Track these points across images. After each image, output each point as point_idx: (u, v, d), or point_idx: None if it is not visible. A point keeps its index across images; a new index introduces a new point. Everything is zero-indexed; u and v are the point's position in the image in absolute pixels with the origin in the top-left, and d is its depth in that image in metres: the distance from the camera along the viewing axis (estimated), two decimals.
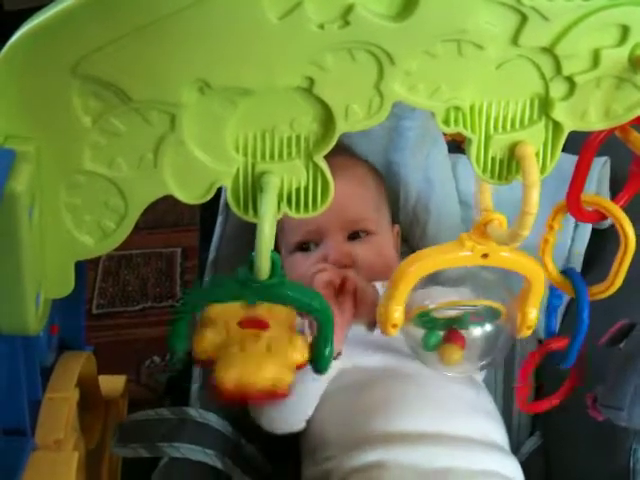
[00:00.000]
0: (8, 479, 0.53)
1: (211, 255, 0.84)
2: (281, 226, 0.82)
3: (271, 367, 0.52)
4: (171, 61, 0.41)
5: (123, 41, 0.40)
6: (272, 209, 0.46)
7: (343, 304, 0.68)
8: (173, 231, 1.41)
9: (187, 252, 1.36)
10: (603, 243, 0.82)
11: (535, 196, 0.47)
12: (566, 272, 0.60)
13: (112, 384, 0.98)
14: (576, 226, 0.81)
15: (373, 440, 0.66)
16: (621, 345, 0.63)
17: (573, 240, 0.81)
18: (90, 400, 0.83)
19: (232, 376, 0.56)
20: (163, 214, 1.40)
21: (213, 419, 0.71)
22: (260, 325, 0.53)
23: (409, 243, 0.88)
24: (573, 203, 0.53)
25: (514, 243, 0.51)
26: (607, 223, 0.81)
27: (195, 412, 0.71)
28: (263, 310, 0.53)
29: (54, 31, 0.40)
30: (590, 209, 0.55)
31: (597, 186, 0.80)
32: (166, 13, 0.39)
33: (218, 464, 0.69)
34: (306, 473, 0.71)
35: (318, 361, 0.54)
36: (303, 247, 0.80)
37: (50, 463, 0.58)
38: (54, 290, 0.51)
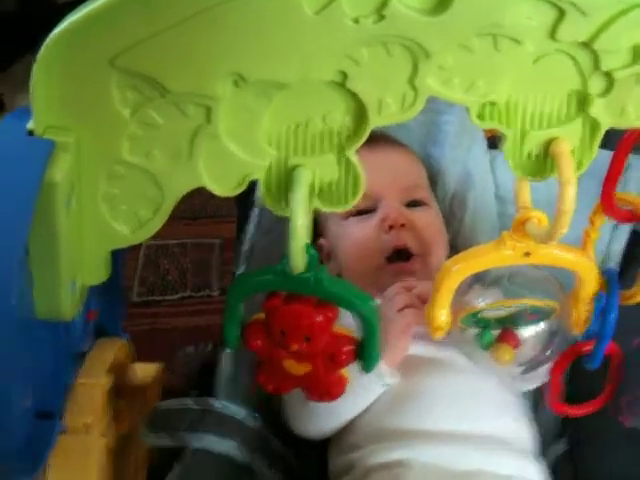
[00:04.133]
0: (36, 460, 0.55)
1: (245, 246, 0.84)
2: None
3: None
4: (208, 54, 0.42)
5: (161, 35, 0.41)
6: (303, 203, 0.47)
7: (410, 328, 0.68)
8: (212, 222, 1.42)
9: (225, 243, 1.37)
10: None
11: (571, 193, 0.46)
12: (605, 272, 0.59)
13: (146, 372, 1.00)
14: (615, 227, 0.80)
15: (400, 436, 0.66)
16: None
17: (611, 240, 0.80)
18: (124, 387, 0.84)
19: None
20: (202, 205, 1.42)
21: (237, 411, 0.72)
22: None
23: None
24: (606, 201, 0.53)
25: (552, 241, 0.50)
26: None
27: (219, 404, 0.71)
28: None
29: (94, 25, 0.41)
30: (626, 208, 0.54)
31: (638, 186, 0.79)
32: (203, 7, 0.40)
33: (239, 456, 0.70)
34: (332, 462, 0.71)
35: (365, 361, 0.54)
36: (359, 212, 0.79)
37: (77, 446, 0.59)
38: (90, 277, 0.53)
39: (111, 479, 0.72)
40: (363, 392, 0.67)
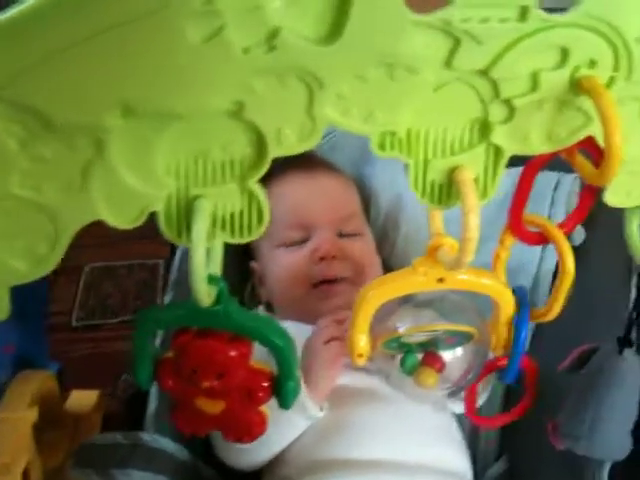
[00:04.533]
0: None
1: (172, 276, 0.83)
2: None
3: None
4: (92, 85, 0.40)
5: (41, 65, 0.39)
6: (203, 235, 0.45)
7: (336, 360, 0.67)
8: (157, 241, 1.40)
9: (170, 263, 1.35)
10: (579, 259, 0.80)
11: (474, 221, 0.45)
12: (514, 290, 0.59)
13: (84, 399, 0.98)
14: (544, 246, 0.80)
15: (330, 467, 0.65)
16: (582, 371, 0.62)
17: (542, 259, 0.80)
18: (54, 418, 0.82)
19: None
20: (148, 223, 1.40)
21: (167, 444, 0.70)
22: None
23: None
24: (514, 223, 0.52)
25: (460, 268, 0.50)
26: (579, 240, 0.80)
27: (149, 437, 0.70)
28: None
29: None
30: (535, 230, 0.54)
31: (567, 204, 0.79)
32: (82, 37, 0.39)
33: None
34: None
35: (281, 396, 0.53)
36: (290, 242, 0.79)
37: None
38: None
39: None
40: (288, 426, 0.66)
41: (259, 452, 0.69)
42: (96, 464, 0.67)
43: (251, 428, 0.55)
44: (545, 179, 0.82)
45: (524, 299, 0.58)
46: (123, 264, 1.33)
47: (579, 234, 0.79)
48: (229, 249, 0.70)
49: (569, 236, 0.79)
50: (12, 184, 0.44)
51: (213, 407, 0.54)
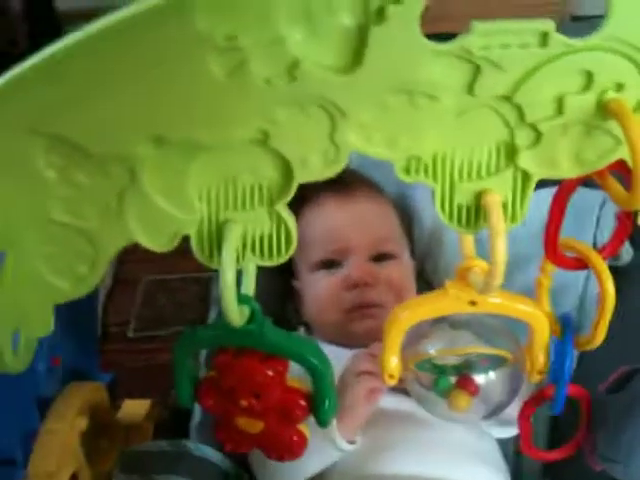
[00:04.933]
0: None
1: (215, 292, 0.85)
2: (300, 246, 0.82)
3: None
4: (125, 118, 0.42)
5: (75, 99, 0.42)
6: (233, 257, 0.47)
7: (369, 396, 0.67)
8: None
9: None
10: (623, 282, 0.78)
11: (501, 246, 0.45)
12: (561, 317, 0.58)
13: (137, 408, 1.01)
14: None
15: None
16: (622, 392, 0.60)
17: (587, 279, 0.78)
18: (105, 427, 0.85)
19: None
20: None
21: (211, 453, 0.72)
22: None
23: (423, 278, 0.87)
24: (549, 249, 0.52)
25: (489, 292, 0.50)
26: (625, 260, 0.78)
27: (193, 445, 0.72)
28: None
29: (7, 94, 0.41)
30: (573, 255, 0.53)
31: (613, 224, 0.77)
32: (117, 75, 0.41)
33: None
34: None
35: (318, 415, 0.54)
36: (326, 265, 0.80)
37: None
38: (35, 330, 0.53)
39: None
40: (319, 456, 0.67)
41: (291, 478, 0.70)
42: (140, 470, 0.69)
43: (291, 447, 0.56)
44: (591, 197, 0.80)
45: (569, 327, 0.57)
46: (178, 277, 1.37)
47: (627, 253, 0.77)
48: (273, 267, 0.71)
49: (618, 256, 0.78)
50: (54, 211, 0.47)
51: (253, 427, 0.56)
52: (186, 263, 1.47)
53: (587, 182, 0.80)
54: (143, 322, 1.30)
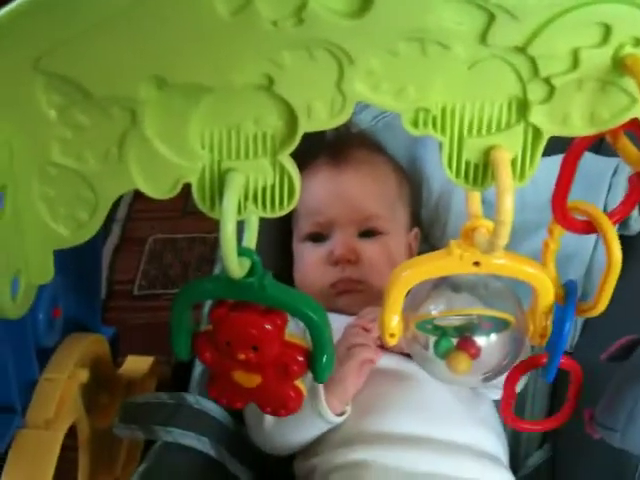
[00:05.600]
0: None
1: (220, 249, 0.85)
2: (295, 213, 0.82)
3: None
4: (126, 57, 0.41)
5: (78, 38, 0.41)
6: (234, 207, 0.46)
7: (364, 370, 0.67)
8: None
9: None
10: (630, 252, 0.77)
11: (508, 203, 0.44)
12: (566, 283, 0.57)
13: (139, 364, 1.01)
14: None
15: (360, 439, 0.65)
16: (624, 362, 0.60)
17: (595, 249, 0.77)
18: (107, 381, 0.85)
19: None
20: None
21: (211, 407, 0.72)
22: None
23: (430, 242, 0.86)
24: (558, 212, 0.50)
25: (494, 252, 0.49)
26: (634, 229, 0.77)
27: (192, 398, 0.72)
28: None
29: (14, 28, 0.41)
30: (583, 219, 0.52)
31: (625, 191, 0.76)
32: (117, 11, 0.39)
33: (211, 451, 0.70)
34: (297, 467, 0.71)
35: (316, 371, 0.53)
36: (312, 238, 0.80)
37: (34, 441, 0.60)
38: (35, 277, 0.53)
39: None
40: (309, 426, 0.67)
41: (282, 444, 0.70)
42: (140, 420, 0.70)
43: (287, 402, 0.56)
44: (604, 164, 0.79)
45: (572, 293, 0.56)
46: (185, 237, 1.36)
47: (636, 222, 0.76)
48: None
49: (626, 225, 0.76)
50: (53, 152, 0.46)
51: (249, 381, 0.55)
52: (193, 223, 1.47)
53: (599, 150, 0.79)
54: (149, 280, 1.30)
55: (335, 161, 0.81)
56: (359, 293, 0.76)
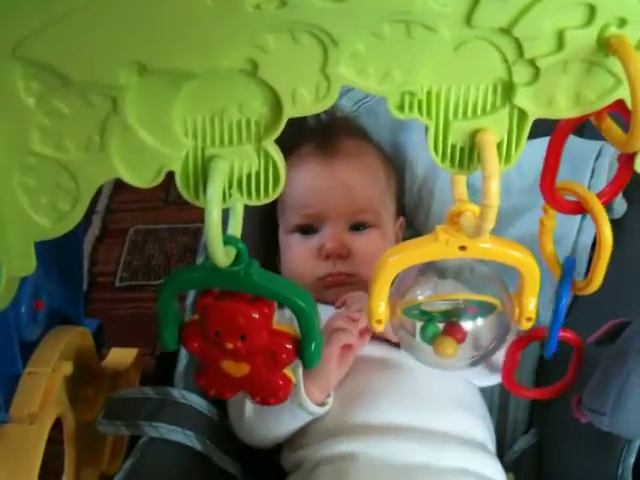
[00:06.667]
0: None
1: (203, 239, 0.84)
2: (281, 204, 0.81)
3: None
4: (106, 43, 0.41)
5: (57, 24, 0.40)
6: (219, 195, 0.45)
7: (347, 356, 0.67)
8: (198, 207, 1.42)
9: None
10: (619, 233, 0.78)
11: (494, 187, 0.44)
12: (565, 260, 0.57)
13: (123, 357, 1.00)
14: (584, 216, 0.77)
15: (346, 430, 0.65)
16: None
17: (580, 230, 0.77)
18: (91, 373, 0.84)
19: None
20: None
21: (196, 400, 0.71)
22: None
23: (414, 227, 0.86)
24: (547, 193, 0.50)
25: (480, 236, 0.49)
26: (621, 211, 0.77)
27: (178, 393, 0.71)
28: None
29: None
30: (572, 199, 0.52)
31: (609, 174, 0.76)
32: None
33: (197, 445, 0.69)
34: (284, 459, 0.70)
35: (305, 358, 0.53)
36: (302, 230, 0.79)
37: (19, 436, 0.59)
38: (17, 269, 0.52)
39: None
40: (290, 417, 0.67)
41: (264, 436, 0.70)
42: (125, 416, 0.69)
43: (276, 391, 0.56)
44: (587, 147, 0.79)
45: (569, 270, 0.56)
46: (166, 227, 1.35)
47: (620, 206, 0.77)
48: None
49: (611, 208, 0.77)
50: (33, 141, 0.45)
51: (238, 370, 0.55)
52: (175, 213, 1.45)
53: (583, 132, 0.79)
54: (131, 272, 1.28)
55: (324, 151, 0.80)
56: (349, 285, 0.75)
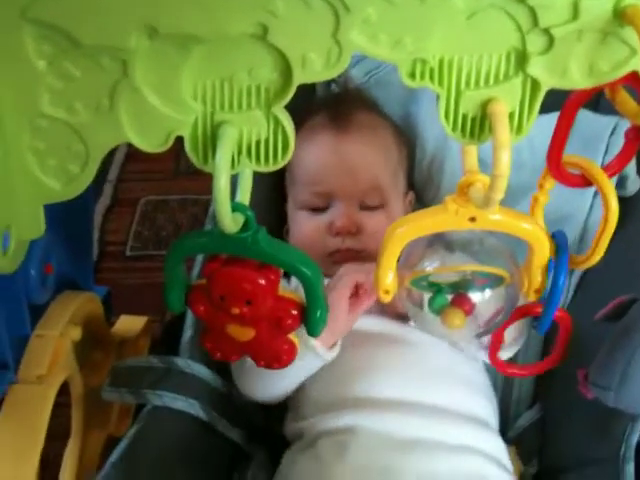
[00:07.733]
0: None
1: (211, 208, 0.84)
2: (291, 175, 0.81)
3: None
4: (117, 6, 0.41)
5: None
6: (228, 160, 0.45)
7: (357, 304, 0.66)
8: (209, 178, 1.42)
9: None
10: (630, 211, 0.77)
11: (505, 157, 0.44)
12: (554, 235, 0.57)
13: (132, 324, 1.01)
14: (596, 193, 0.77)
15: (348, 404, 0.65)
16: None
17: (591, 207, 0.77)
18: (100, 339, 0.85)
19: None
20: None
21: (200, 370, 0.72)
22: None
23: (423, 202, 0.86)
24: (553, 165, 0.50)
25: (490, 207, 0.48)
26: (631, 190, 0.77)
27: (183, 362, 0.72)
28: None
29: None
30: (577, 172, 0.51)
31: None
32: None
33: (201, 414, 0.70)
34: (286, 429, 0.71)
35: (309, 325, 0.53)
36: (309, 207, 0.79)
37: (27, 396, 0.60)
38: (26, 232, 0.52)
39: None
40: (301, 365, 0.67)
41: (270, 386, 0.70)
42: (129, 384, 0.69)
43: (280, 355, 0.56)
44: (602, 123, 0.78)
45: (563, 245, 0.56)
46: (177, 198, 1.35)
47: (634, 184, 0.76)
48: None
49: (624, 186, 0.76)
50: (43, 103, 0.45)
51: (243, 334, 0.55)
52: (185, 184, 1.45)
53: (597, 107, 0.78)
54: (141, 241, 1.29)
55: (336, 123, 0.78)
56: (358, 261, 0.74)
